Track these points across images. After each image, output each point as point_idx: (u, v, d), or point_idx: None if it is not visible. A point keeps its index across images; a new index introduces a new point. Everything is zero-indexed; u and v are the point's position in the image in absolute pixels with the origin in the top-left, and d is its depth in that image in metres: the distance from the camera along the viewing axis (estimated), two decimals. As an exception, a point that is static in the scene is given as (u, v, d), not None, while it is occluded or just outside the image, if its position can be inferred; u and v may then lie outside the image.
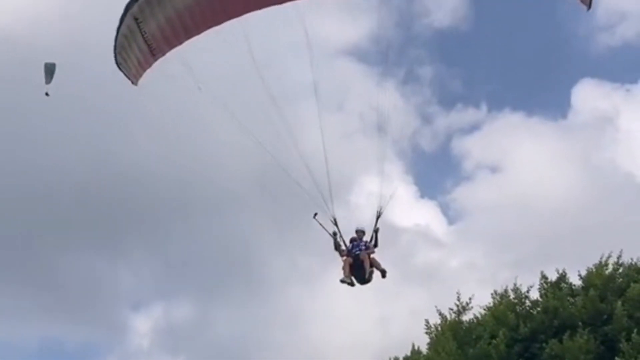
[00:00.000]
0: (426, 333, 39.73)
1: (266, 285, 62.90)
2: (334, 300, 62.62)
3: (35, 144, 52.42)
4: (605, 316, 35.56)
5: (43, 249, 55.75)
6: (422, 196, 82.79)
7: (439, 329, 38.94)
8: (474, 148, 77.74)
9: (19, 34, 53.44)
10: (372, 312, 59.26)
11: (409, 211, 73.62)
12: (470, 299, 38.88)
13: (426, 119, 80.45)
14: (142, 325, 63.94)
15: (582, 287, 37.10)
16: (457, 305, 38.81)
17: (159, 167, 54.43)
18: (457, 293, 39.08)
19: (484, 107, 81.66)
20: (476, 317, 38.47)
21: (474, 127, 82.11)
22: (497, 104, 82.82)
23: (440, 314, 39.12)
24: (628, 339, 34.03)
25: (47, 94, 25.03)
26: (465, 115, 78.47)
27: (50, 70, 24.85)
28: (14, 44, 52.83)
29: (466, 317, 38.94)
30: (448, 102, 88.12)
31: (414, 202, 76.37)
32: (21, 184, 53.33)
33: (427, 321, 39.48)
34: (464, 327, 38.26)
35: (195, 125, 52.83)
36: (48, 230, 54.99)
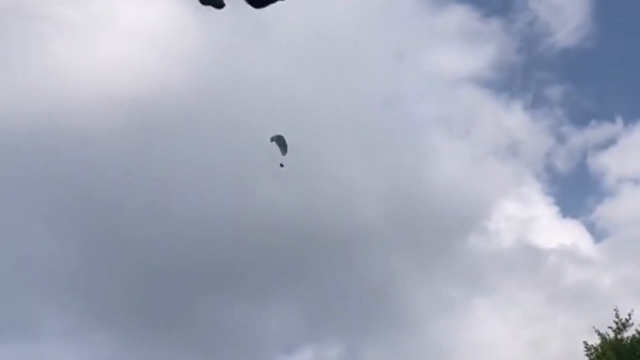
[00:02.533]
0: (586, 355, 38.38)
1: (411, 319, 62.49)
2: (481, 328, 61.65)
3: (172, 198, 54.57)
4: None
5: (196, 303, 57.43)
6: (564, 216, 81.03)
7: (600, 349, 37.58)
8: (612, 163, 75.46)
9: (150, 99, 56.18)
10: (522, 337, 58.01)
11: (552, 232, 72.02)
12: (629, 314, 37.46)
13: (560, 139, 79.01)
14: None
15: None
16: (616, 323, 37.50)
17: (295, 213, 55.63)
18: (615, 310, 37.71)
19: (619, 121, 79.27)
20: (639, 332, 36.96)
21: (610, 142, 79.89)
22: (632, 116, 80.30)
23: (599, 333, 37.80)
24: None
25: (281, 165, 26.08)
26: (599, 131, 76.51)
27: (282, 143, 26.04)
28: (145, 109, 55.57)
29: (626, 333, 37.53)
30: (581, 119, 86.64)
31: (556, 223, 74.73)
32: (169, 241, 55.39)
33: (585, 343, 38.18)
34: (626, 345, 36.83)
35: (326, 167, 54.19)
36: (199, 285, 56.69)
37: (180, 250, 54.81)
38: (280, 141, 26.77)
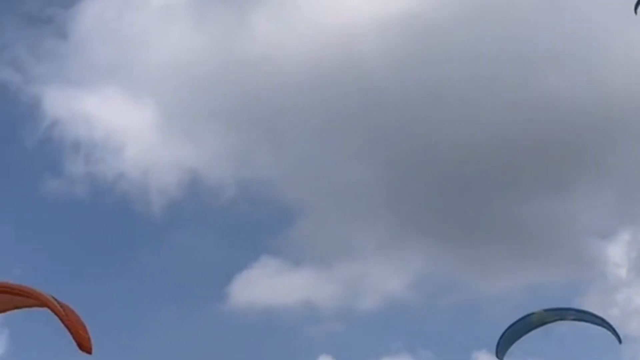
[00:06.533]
0: None
1: None
2: None
3: (458, 106, 55.93)
4: None
5: (502, 202, 58.21)
6: None
7: None
8: None
9: (420, 14, 57.15)
10: None
11: None
12: None
13: None
14: (615, 255, 62.81)
15: None
16: None
17: (584, 100, 54.75)
18: None
19: None
20: None
21: None
22: None
23: None
24: None
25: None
26: None
27: None
28: (415, 25, 56.60)
29: None
30: None
31: None
32: (467, 146, 56.71)
33: None
34: None
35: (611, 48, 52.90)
36: (503, 184, 57.60)
37: (480, 152, 55.86)
38: None
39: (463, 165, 55.36)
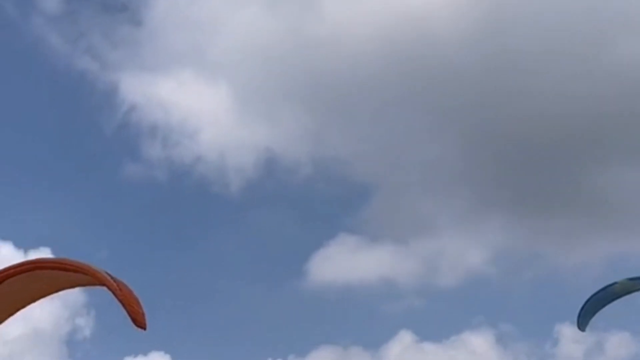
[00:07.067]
0: None
1: None
2: None
3: (530, 74, 54.69)
4: None
5: (583, 173, 56.87)
6: None
7: None
8: None
9: None
10: None
11: None
12: None
13: None
14: None
15: None
16: None
17: None
18: None
19: None
20: None
21: None
22: None
23: None
24: None
25: None
26: None
27: None
28: None
29: None
30: None
31: None
32: (537, 119, 55.47)
33: None
34: None
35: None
36: (583, 154, 56.30)
37: (557, 124, 54.64)
38: None
39: (539, 137, 54.06)
